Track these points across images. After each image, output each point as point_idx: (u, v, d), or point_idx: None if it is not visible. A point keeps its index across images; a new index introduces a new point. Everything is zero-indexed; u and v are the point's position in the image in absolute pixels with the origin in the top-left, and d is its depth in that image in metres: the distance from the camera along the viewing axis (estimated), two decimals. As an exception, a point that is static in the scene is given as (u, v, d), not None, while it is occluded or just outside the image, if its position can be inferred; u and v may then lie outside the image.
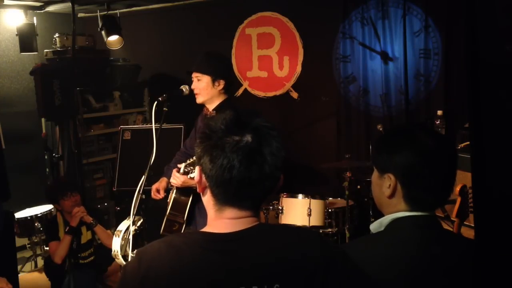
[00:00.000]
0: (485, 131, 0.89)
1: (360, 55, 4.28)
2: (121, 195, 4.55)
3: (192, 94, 2.90)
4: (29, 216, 4.18)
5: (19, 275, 3.34)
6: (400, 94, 4.13)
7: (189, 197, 2.90)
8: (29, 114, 4.98)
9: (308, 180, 4.59)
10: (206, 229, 1.14)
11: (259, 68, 4.88)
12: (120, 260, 2.29)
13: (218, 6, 4.99)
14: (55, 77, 4.64)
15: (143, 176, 2.39)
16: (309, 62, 4.61)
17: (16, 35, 4.67)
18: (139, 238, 2.42)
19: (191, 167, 2.65)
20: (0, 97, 4.97)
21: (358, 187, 4.05)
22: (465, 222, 2.07)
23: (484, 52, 0.86)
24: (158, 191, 2.95)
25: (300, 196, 3.80)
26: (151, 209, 3.58)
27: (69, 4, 4.23)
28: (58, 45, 4.88)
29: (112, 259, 2.42)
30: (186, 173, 2.72)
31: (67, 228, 3.38)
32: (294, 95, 4.71)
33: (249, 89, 4.96)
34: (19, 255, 4.12)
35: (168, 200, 3.02)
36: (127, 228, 2.32)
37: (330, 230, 3.76)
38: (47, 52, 4.91)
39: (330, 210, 3.78)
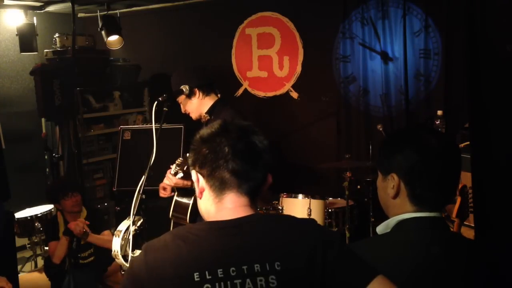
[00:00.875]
0: (485, 131, 0.89)
1: (360, 55, 4.28)
2: (121, 195, 4.54)
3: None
4: (29, 216, 4.17)
5: (19, 275, 3.34)
6: (400, 94, 4.13)
7: (191, 198, 2.90)
8: (29, 114, 4.98)
9: (308, 180, 4.59)
10: (209, 220, 1.23)
11: (259, 68, 4.88)
12: (120, 260, 2.28)
13: (218, 6, 4.99)
14: (55, 77, 4.64)
15: (143, 176, 2.38)
16: (309, 62, 4.61)
17: (16, 35, 4.67)
18: (139, 238, 2.42)
19: (178, 168, 2.68)
20: (0, 97, 4.97)
21: (358, 187, 4.05)
22: (465, 222, 2.07)
23: (484, 52, 0.86)
24: (164, 189, 2.98)
25: (300, 196, 3.80)
26: (151, 209, 3.58)
27: (69, 4, 4.24)
28: (58, 45, 4.88)
29: (112, 259, 2.42)
30: (175, 173, 2.74)
31: (65, 228, 3.38)
32: (294, 95, 4.71)
33: (249, 89, 4.96)
34: (19, 255, 4.12)
35: (167, 195, 3.03)
36: (127, 228, 2.31)
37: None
38: (47, 52, 4.91)
39: (330, 210, 3.78)
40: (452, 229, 2.04)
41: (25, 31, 4.67)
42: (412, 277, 1.21)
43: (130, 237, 2.27)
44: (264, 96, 4.89)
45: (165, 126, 3.35)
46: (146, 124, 4.95)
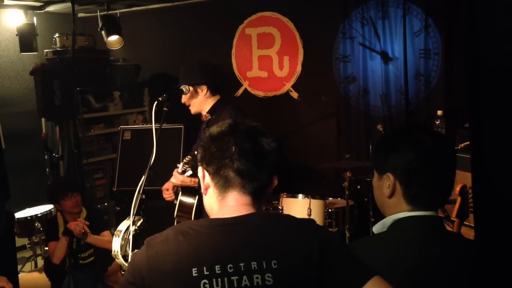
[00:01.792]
0: (485, 131, 0.89)
1: (360, 55, 4.28)
2: (121, 195, 4.54)
3: None
4: (29, 216, 4.17)
5: (19, 275, 3.34)
6: (400, 94, 4.13)
7: (195, 198, 2.91)
8: (29, 114, 4.98)
9: (308, 180, 4.59)
10: (211, 217, 1.25)
11: (259, 68, 4.88)
12: (120, 260, 2.28)
13: (218, 6, 4.99)
14: (55, 77, 4.64)
15: (143, 176, 2.38)
16: (309, 62, 4.61)
17: (16, 35, 4.67)
18: (139, 238, 2.41)
19: (187, 166, 2.70)
20: (0, 97, 4.97)
21: (358, 187, 4.05)
22: (465, 222, 2.07)
23: (484, 52, 0.86)
24: (167, 190, 3.01)
25: (300, 196, 3.80)
26: (151, 209, 3.59)
27: (69, 4, 4.24)
28: (58, 45, 4.88)
29: (112, 259, 2.42)
30: (183, 172, 2.76)
31: (64, 229, 3.38)
32: (294, 95, 4.71)
33: (249, 89, 4.96)
34: (19, 255, 4.12)
35: (175, 202, 3.05)
36: (127, 228, 2.31)
37: (330, 230, 3.76)
38: (47, 52, 4.91)
39: (330, 210, 3.78)
40: (452, 229, 2.05)
41: (25, 31, 4.66)
42: (408, 276, 1.21)
43: (130, 237, 2.27)
44: (264, 96, 4.89)
45: (165, 126, 3.36)
46: (146, 124, 4.95)
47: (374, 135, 4.12)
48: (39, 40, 4.78)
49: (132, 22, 5.25)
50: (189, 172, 2.74)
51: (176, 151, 4.20)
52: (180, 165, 2.79)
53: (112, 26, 4.65)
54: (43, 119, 5.00)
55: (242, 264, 1.10)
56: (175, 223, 2.89)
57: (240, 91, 4.98)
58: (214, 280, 1.09)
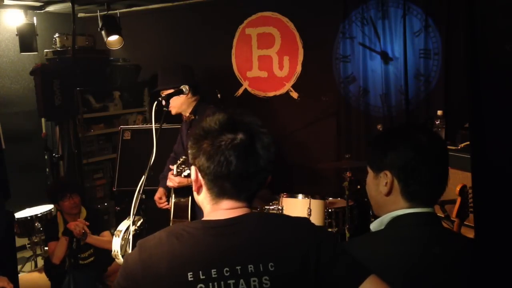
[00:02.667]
0: (485, 131, 0.89)
1: (360, 55, 4.28)
2: (121, 195, 4.55)
3: None
4: (29, 216, 4.17)
5: (19, 275, 3.33)
6: (400, 94, 4.13)
7: (188, 198, 2.91)
8: (29, 114, 4.98)
9: (308, 180, 4.59)
10: (204, 218, 1.21)
11: (259, 68, 4.88)
12: (120, 260, 2.28)
13: (218, 6, 4.99)
14: (55, 77, 4.64)
15: (143, 176, 2.38)
16: (309, 62, 4.61)
17: (16, 35, 4.67)
18: (139, 238, 2.42)
19: (183, 166, 2.72)
20: (0, 97, 4.97)
21: (358, 187, 4.05)
22: (465, 222, 2.07)
23: (484, 52, 0.86)
24: (160, 198, 3.07)
25: (300, 196, 3.80)
26: (151, 209, 3.59)
27: (69, 4, 4.23)
28: (58, 45, 4.88)
29: (112, 259, 2.42)
30: (179, 173, 2.77)
31: (64, 229, 3.38)
32: (294, 95, 4.71)
33: (249, 89, 4.95)
34: (19, 255, 4.12)
35: (168, 207, 3.06)
36: (127, 228, 2.31)
37: (330, 230, 3.76)
38: (47, 52, 4.91)
39: (330, 210, 3.78)
40: (452, 228, 2.04)
41: (25, 31, 4.66)
42: (409, 272, 1.22)
43: (130, 237, 2.27)
44: (264, 96, 4.89)
45: (165, 126, 3.36)
46: (146, 124, 4.95)
47: (374, 135, 4.11)
48: (39, 40, 4.78)
49: (132, 22, 5.25)
50: (187, 172, 2.75)
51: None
52: (175, 167, 2.80)
53: (112, 26, 4.65)
54: (43, 119, 5.01)
55: (238, 268, 1.08)
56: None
57: (240, 91, 4.98)
58: (210, 284, 1.07)
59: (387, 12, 4.12)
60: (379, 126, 3.88)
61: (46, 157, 4.94)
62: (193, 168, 1.21)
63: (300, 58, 4.65)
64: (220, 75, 4.96)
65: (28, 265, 4.35)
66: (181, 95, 2.89)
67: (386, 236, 1.30)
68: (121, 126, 4.68)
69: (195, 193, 1.25)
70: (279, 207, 3.80)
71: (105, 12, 4.77)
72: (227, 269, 1.08)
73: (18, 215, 4.16)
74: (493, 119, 0.89)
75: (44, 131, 5.02)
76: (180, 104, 2.94)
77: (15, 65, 5.10)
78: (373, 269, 1.14)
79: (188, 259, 1.09)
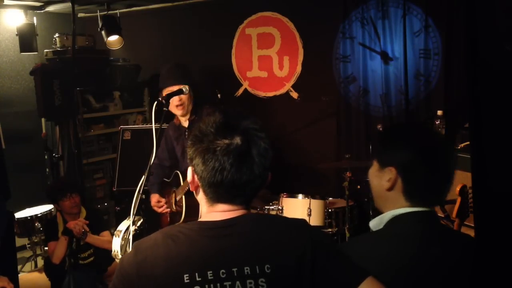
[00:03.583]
0: (485, 131, 0.89)
1: (360, 55, 4.28)
2: (121, 195, 4.55)
3: None
4: (29, 216, 4.17)
5: (19, 275, 3.33)
6: (400, 94, 4.13)
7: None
8: (29, 114, 4.98)
9: (308, 180, 4.59)
10: (200, 219, 1.21)
11: (259, 68, 4.88)
12: (120, 260, 2.28)
13: (218, 6, 4.99)
14: (55, 77, 4.64)
15: (143, 176, 2.38)
16: (309, 62, 4.61)
17: (16, 35, 4.67)
18: (139, 238, 2.42)
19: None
20: (0, 97, 4.97)
21: (358, 187, 4.05)
22: (465, 222, 2.07)
23: (484, 52, 0.86)
24: (158, 202, 3.08)
25: (300, 196, 3.80)
26: (151, 209, 3.59)
27: (69, 4, 4.23)
28: (58, 45, 4.88)
29: (112, 259, 2.42)
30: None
31: (64, 228, 3.38)
32: (294, 95, 4.71)
33: (249, 89, 4.95)
34: (19, 255, 4.12)
35: (169, 211, 3.08)
36: (127, 228, 2.31)
37: (330, 230, 3.76)
38: (47, 52, 4.91)
39: (330, 210, 3.78)
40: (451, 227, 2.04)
41: (25, 31, 4.66)
42: (408, 271, 1.22)
43: (130, 237, 2.27)
44: (264, 96, 4.89)
45: (165, 126, 3.36)
46: (146, 124, 4.95)
47: (374, 135, 4.11)
48: (39, 40, 4.78)
49: (132, 22, 5.25)
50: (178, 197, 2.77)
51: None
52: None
53: (112, 26, 4.65)
54: (43, 119, 5.00)
55: (235, 269, 1.08)
56: None
57: (240, 91, 4.98)
58: (206, 286, 1.06)
59: (387, 12, 4.12)
60: (379, 126, 3.87)
61: (46, 157, 4.93)
62: (190, 169, 1.21)
63: (300, 58, 4.65)
64: (220, 75, 4.96)
65: (28, 265, 4.34)
66: (182, 95, 2.88)
67: (387, 235, 1.30)
68: (121, 126, 4.68)
69: (194, 192, 1.25)
70: (279, 207, 3.80)
71: (105, 12, 4.77)
72: (223, 270, 1.08)
73: (18, 215, 4.16)
74: (493, 119, 0.89)
75: (44, 131, 5.01)
76: (189, 102, 2.98)
77: (15, 65, 5.09)
78: (373, 267, 1.14)
79: (184, 261, 1.09)
